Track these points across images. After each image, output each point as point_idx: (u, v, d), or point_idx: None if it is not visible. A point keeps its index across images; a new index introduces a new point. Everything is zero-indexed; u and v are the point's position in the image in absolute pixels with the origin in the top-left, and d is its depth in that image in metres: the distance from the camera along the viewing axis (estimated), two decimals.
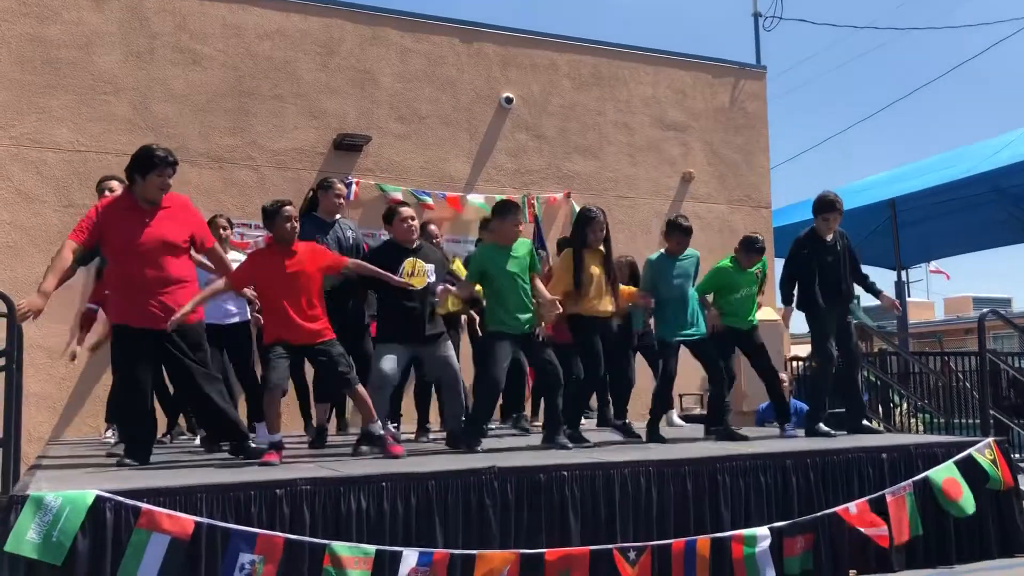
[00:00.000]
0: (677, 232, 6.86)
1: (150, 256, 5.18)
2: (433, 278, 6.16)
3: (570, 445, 6.06)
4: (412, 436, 7.24)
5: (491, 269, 6.17)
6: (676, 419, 8.91)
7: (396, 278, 5.88)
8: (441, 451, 6.10)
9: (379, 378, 5.97)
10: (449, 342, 6.35)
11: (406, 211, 6.28)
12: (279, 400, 5.48)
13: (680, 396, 9.59)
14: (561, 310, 6.25)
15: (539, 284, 6.35)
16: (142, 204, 5.25)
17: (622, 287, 6.85)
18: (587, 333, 6.42)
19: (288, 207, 5.54)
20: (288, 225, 5.49)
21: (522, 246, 6.29)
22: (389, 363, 6.00)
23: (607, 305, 6.49)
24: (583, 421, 6.91)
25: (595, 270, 6.44)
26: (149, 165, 5.20)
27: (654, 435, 6.76)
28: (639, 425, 7.00)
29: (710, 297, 7.25)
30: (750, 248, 7.12)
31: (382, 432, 5.66)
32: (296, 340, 5.44)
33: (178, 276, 5.30)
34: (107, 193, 6.19)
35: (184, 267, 5.38)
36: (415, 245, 6.24)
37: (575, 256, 6.44)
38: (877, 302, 7.42)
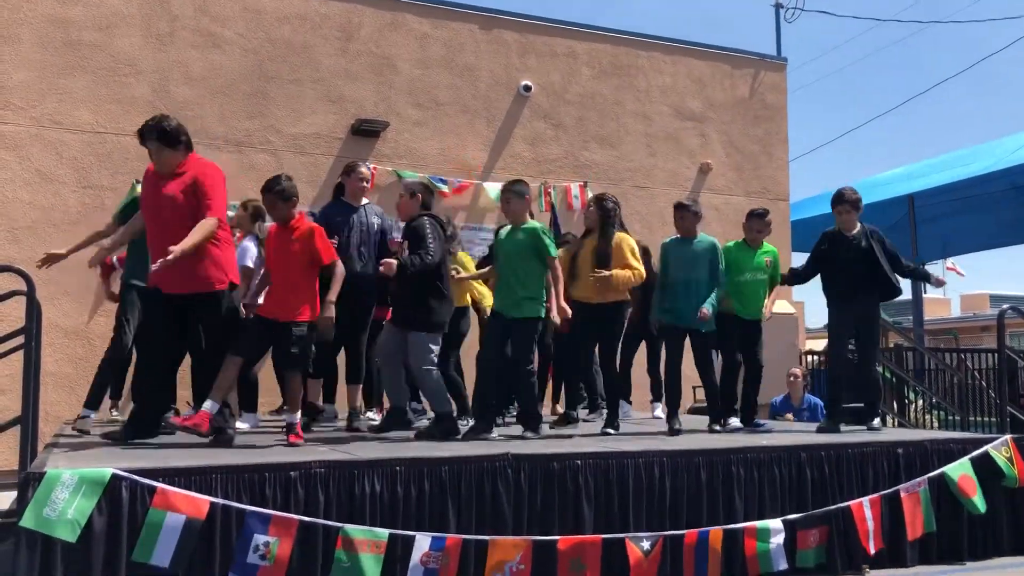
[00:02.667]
0: (680, 209, 6.82)
1: (158, 216, 5.25)
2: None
3: (533, 435, 5.97)
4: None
5: (496, 249, 6.40)
6: (659, 413, 8.09)
7: (328, 311, 5.58)
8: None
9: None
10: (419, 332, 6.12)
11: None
12: (238, 366, 5.41)
13: (693, 388, 9.52)
14: (559, 320, 6.17)
15: (552, 284, 6.16)
16: (159, 169, 5.35)
17: (617, 271, 6.41)
18: (572, 318, 6.44)
19: (280, 186, 5.51)
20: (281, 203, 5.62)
21: (525, 228, 6.12)
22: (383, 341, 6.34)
23: (580, 291, 6.47)
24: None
25: (584, 255, 6.52)
26: (141, 138, 5.35)
27: (673, 428, 6.51)
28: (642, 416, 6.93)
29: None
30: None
31: (295, 421, 5.50)
32: (266, 312, 5.47)
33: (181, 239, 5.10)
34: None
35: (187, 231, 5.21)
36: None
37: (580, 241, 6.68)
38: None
